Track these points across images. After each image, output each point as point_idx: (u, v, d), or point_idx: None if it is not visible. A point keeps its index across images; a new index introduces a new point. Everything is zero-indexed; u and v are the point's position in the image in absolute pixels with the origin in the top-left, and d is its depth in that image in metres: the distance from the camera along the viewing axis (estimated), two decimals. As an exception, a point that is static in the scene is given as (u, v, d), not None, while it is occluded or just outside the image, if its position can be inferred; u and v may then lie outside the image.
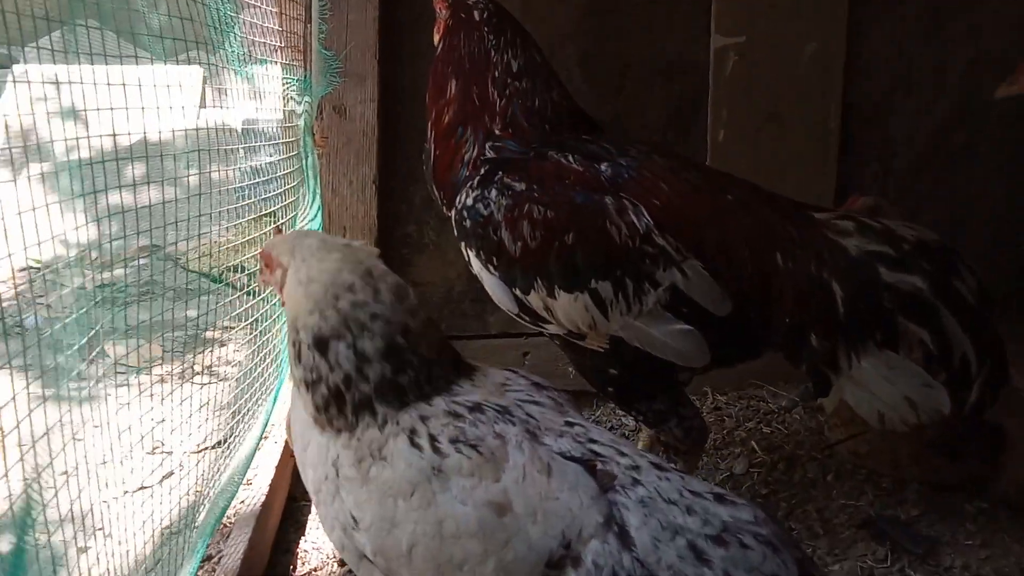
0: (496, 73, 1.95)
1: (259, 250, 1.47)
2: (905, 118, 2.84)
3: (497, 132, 1.93)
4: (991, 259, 2.79)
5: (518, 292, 1.83)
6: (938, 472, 2.12)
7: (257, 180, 2.09)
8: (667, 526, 1.11)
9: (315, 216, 2.45)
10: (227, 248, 2.08)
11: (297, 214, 2.29)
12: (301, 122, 2.36)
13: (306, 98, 2.40)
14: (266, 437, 2.35)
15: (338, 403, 1.26)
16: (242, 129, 2.07)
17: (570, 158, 1.85)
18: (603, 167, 1.83)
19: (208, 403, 2.10)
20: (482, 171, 1.89)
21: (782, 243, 1.77)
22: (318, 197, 2.49)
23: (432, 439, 1.20)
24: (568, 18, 2.74)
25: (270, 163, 2.14)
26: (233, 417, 2.07)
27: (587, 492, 1.14)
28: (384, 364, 1.26)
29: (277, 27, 2.34)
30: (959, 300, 1.66)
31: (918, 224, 2.30)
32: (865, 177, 2.88)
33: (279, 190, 2.17)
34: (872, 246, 1.72)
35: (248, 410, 2.11)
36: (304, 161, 2.36)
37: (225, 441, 2.11)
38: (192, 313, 1.96)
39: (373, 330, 1.26)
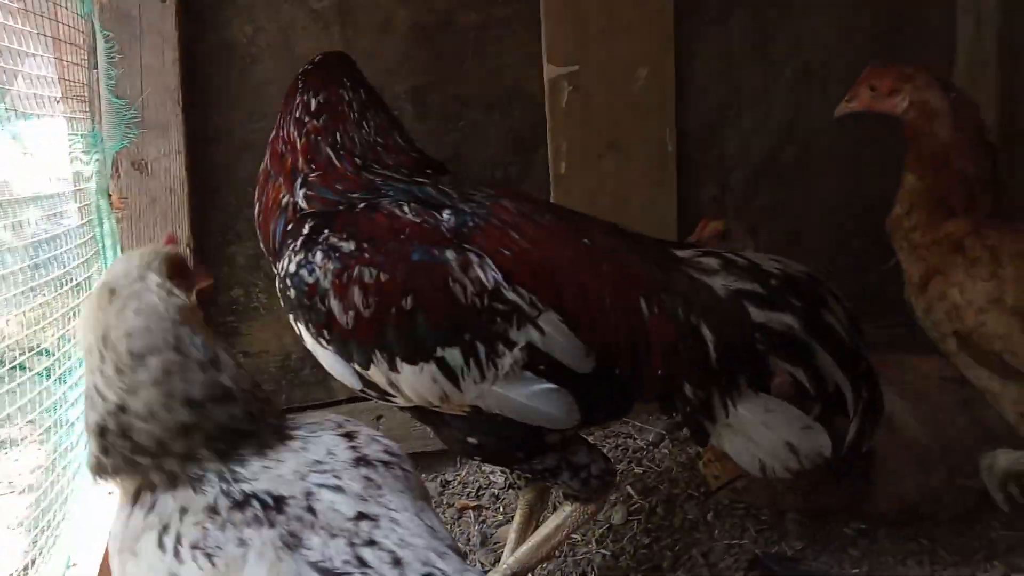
0: (297, 113, 1.81)
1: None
2: (738, 136, 2.86)
3: (306, 173, 1.73)
4: (831, 269, 2.87)
5: (357, 367, 1.61)
6: (817, 499, 2.08)
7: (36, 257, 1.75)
8: None
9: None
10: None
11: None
12: (92, 184, 2.03)
13: (95, 155, 2.07)
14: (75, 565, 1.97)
15: (123, 463, 1.16)
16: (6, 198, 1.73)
17: (405, 208, 1.65)
18: (444, 215, 1.64)
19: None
20: (305, 229, 1.66)
21: (646, 288, 1.65)
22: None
23: (177, 539, 1.10)
24: (395, 51, 2.56)
25: (48, 236, 1.80)
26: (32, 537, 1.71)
27: None
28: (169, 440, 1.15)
29: (54, 75, 2.00)
30: (831, 334, 1.60)
31: (760, 238, 2.30)
32: (704, 197, 2.88)
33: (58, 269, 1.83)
34: (739, 284, 1.64)
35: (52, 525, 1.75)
36: (98, 229, 2.03)
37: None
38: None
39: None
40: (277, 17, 2.46)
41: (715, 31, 2.78)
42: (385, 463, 1.22)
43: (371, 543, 1.09)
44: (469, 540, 2.24)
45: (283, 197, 1.75)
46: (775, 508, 2.15)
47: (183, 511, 1.12)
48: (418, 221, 1.63)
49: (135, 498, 1.16)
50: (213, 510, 1.11)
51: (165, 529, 1.11)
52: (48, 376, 1.80)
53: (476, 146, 2.66)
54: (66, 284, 1.83)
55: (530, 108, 2.68)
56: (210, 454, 1.15)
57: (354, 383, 1.66)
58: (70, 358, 1.86)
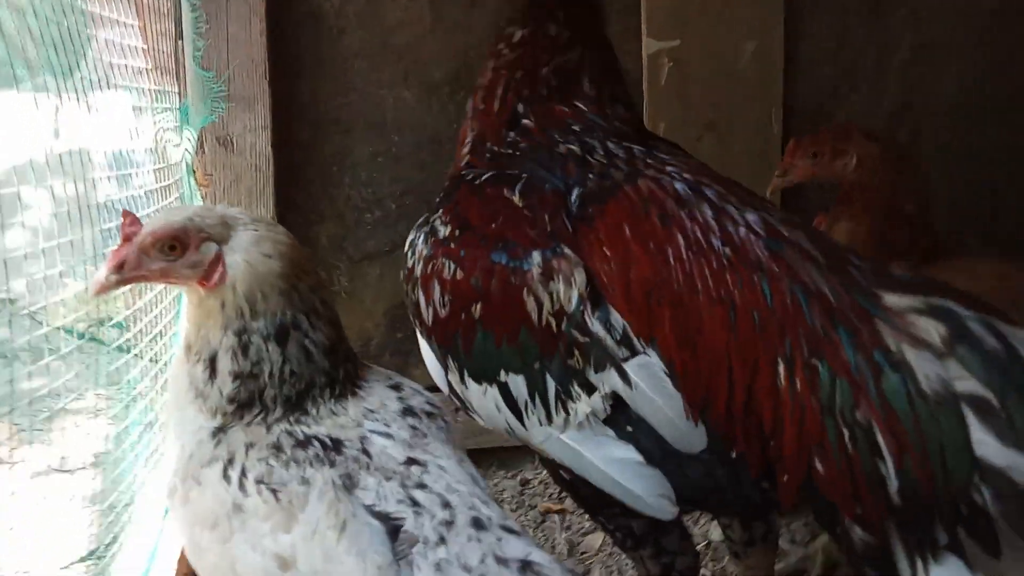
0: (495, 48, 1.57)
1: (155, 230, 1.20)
2: (849, 117, 2.66)
3: (473, 129, 1.52)
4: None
5: (443, 367, 1.42)
6: None
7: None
8: None
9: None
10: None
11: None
12: (180, 159, 1.94)
13: (184, 130, 1.98)
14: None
15: (246, 406, 1.18)
16: (109, 158, 1.65)
17: (517, 187, 1.37)
18: (572, 195, 1.35)
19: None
20: (437, 200, 1.50)
21: (793, 344, 1.14)
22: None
23: (242, 473, 1.14)
24: (484, 25, 2.42)
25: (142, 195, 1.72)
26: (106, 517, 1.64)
27: (375, 560, 1.06)
28: (316, 363, 1.20)
29: (141, 45, 1.92)
30: None
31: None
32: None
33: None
34: (971, 384, 1.01)
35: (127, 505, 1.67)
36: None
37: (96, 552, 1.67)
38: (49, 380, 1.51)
39: (321, 322, 1.21)
40: (364, -14, 2.35)
41: (827, 3, 2.58)
42: (429, 414, 1.25)
43: (422, 486, 1.13)
44: (555, 547, 2.10)
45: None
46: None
47: (249, 446, 1.16)
48: (520, 205, 1.36)
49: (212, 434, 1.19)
50: (278, 447, 1.15)
51: (231, 462, 1.15)
52: (124, 350, 1.72)
53: (568, 125, 2.52)
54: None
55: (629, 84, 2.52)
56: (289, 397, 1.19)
57: (442, 384, 1.46)
58: (144, 333, 1.78)
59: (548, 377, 1.27)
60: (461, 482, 1.16)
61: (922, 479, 1.04)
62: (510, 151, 1.46)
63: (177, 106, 1.99)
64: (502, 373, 1.30)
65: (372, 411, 1.22)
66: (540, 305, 1.27)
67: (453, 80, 2.43)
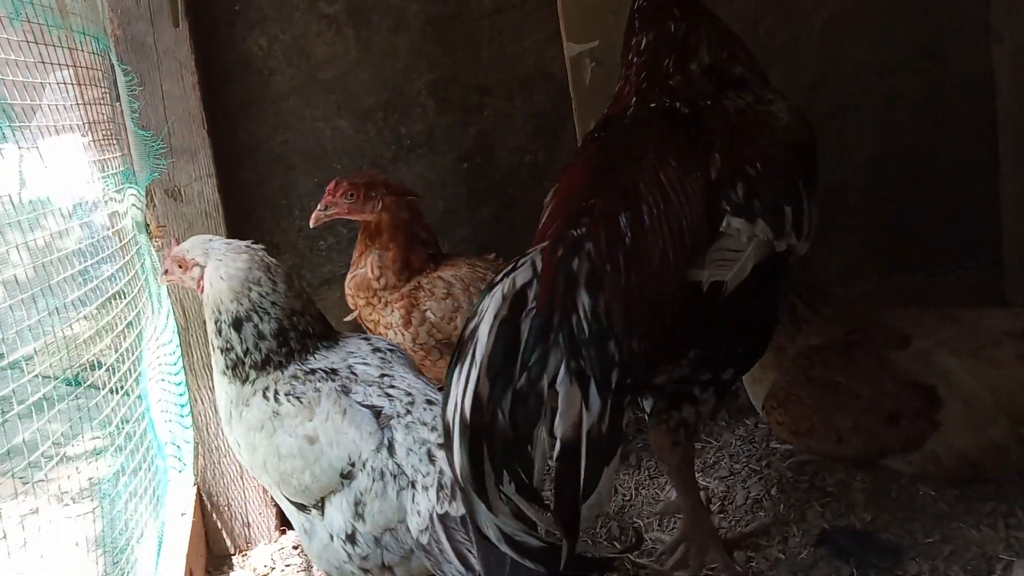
0: None
1: (170, 253, 1.90)
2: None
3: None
4: (872, 218, 2.80)
5: None
6: (878, 438, 2.04)
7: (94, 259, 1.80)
8: (417, 440, 1.67)
9: (166, 324, 2.14)
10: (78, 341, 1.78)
11: (142, 329, 1.98)
12: (128, 221, 2.04)
13: (130, 189, 2.08)
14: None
15: (238, 366, 1.78)
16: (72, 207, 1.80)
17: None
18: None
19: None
20: None
21: None
22: (165, 300, 2.18)
23: (276, 394, 1.75)
24: (410, 48, 2.53)
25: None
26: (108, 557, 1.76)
27: (367, 429, 1.68)
28: (272, 341, 1.78)
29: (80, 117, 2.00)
30: None
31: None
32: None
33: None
34: None
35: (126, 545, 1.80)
36: (140, 263, 2.05)
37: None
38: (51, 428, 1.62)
39: (271, 314, 1.78)
40: (290, 26, 2.45)
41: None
42: (391, 350, 1.89)
43: (392, 387, 1.76)
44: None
45: None
46: (838, 458, 2.13)
47: (276, 380, 1.76)
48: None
49: (244, 379, 1.78)
50: (295, 376, 1.76)
51: (266, 390, 1.75)
52: (113, 391, 1.84)
53: (502, 134, 2.63)
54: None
55: (553, 90, 2.63)
56: (294, 348, 1.79)
57: None
58: (131, 372, 1.91)
59: None
60: (419, 382, 1.79)
61: None
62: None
63: (120, 169, 2.07)
64: None
65: (352, 352, 1.84)
66: None
67: (385, 104, 2.53)
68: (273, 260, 1.83)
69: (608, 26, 2.57)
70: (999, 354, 2.02)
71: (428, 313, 2.20)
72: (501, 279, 1.42)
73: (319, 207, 2.19)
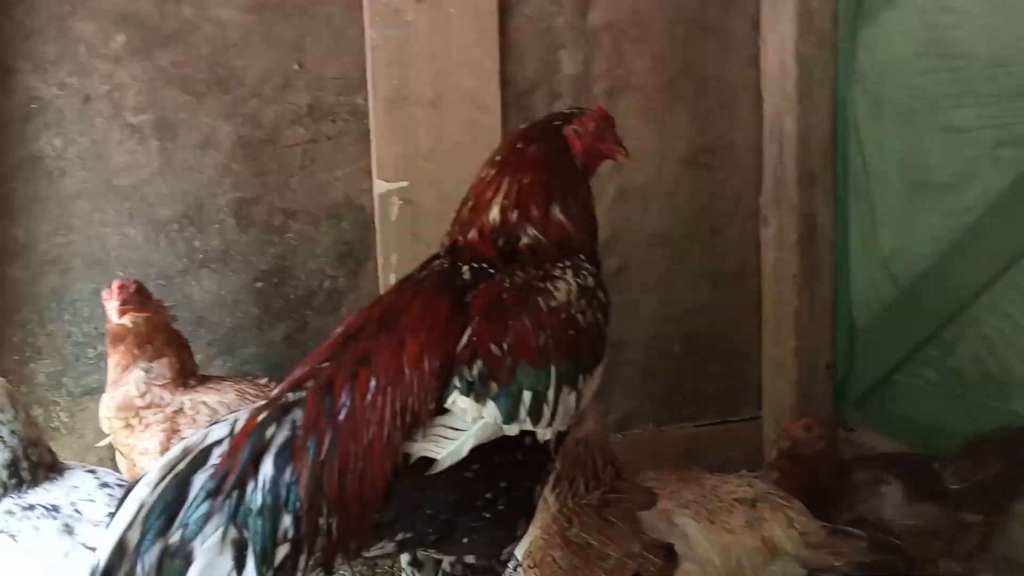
0: None
1: None
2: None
3: None
4: (647, 370, 3.01)
5: None
6: None
7: None
8: None
9: None
10: None
11: None
12: None
13: None
14: None
15: None
16: None
17: None
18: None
19: None
20: None
21: None
22: None
23: None
24: (217, 165, 2.55)
25: None
26: None
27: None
28: (3, 471, 1.69)
29: None
30: None
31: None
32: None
33: None
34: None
35: None
36: None
37: None
38: None
39: (7, 443, 1.70)
40: (89, 131, 2.42)
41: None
42: (119, 485, 1.78)
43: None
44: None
45: None
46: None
47: None
48: None
49: None
50: (9, 512, 1.65)
51: None
52: None
53: (303, 257, 2.67)
54: None
55: (360, 221, 2.72)
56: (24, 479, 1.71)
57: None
58: None
59: None
60: None
61: None
62: None
63: None
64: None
65: (76, 487, 1.74)
66: None
67: (182, 217, 2.52)
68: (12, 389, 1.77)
69: (418, 169, 2.72)
70: (731, 520, 2.18)
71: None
72: (200, 433, 1.41)
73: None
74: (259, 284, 2.62)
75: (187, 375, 2.14)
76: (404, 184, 2.72)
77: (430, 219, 2.71)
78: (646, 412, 3.03)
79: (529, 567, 2.19)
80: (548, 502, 2.21)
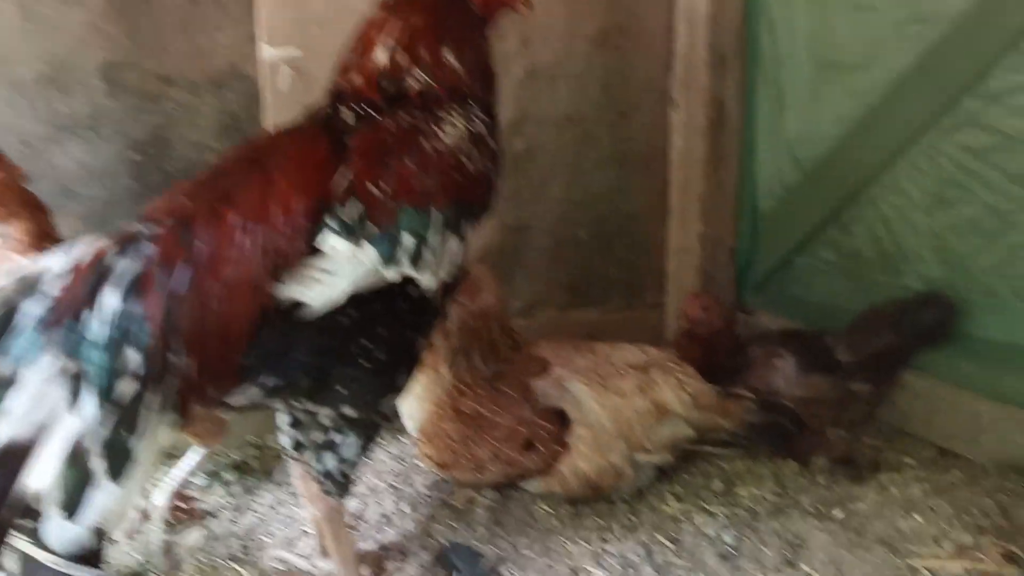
0: None
1: None
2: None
3: None
4: (555, 257, 2.97)
5: None
6: (516, 464, 2.10)
7: None
8: None
9: None
10: None
11: None
12: None
13: None
14: None
15: None
16: None
17: None
18: None
19: None
20: None
21: None
22: None
23: None
24: (83, 23, 2.34)
25: None
26: None
27: None
28: None
29: None
30: None
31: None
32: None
33: None
34: None
35: None
36: None
37: None
38: None
39: None
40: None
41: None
42: None
43: None
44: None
45: None
46: (480, 485, 2.18)
47: None
48: None
49: None
50: None
51: None
52: None
53: (183, 128, 2.50)
54: None
55: (246, 91, 2.55)
56: None
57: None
58: None
59: None
60: None
61: None
62: None
63: None
64: None
65: None
66: None
67: (45, 79, 2.32)
68: None
69: (311, 36, 2.55)
70: (623, 384, 2.17)
71: None
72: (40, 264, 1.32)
73: None
74: (134, 155, 2.45)
75: (44, 239, 1.98)
76: (296, 53, 2.56)
77: (323, 89, 2.58)
78: (551, 297, 2.99)
79: (421, 442, 2.16)
80: (443, 376, 2.17)
